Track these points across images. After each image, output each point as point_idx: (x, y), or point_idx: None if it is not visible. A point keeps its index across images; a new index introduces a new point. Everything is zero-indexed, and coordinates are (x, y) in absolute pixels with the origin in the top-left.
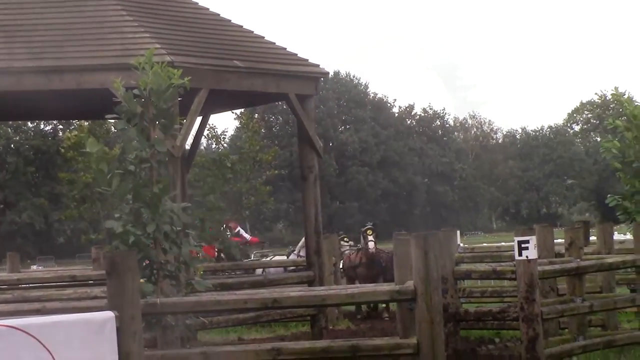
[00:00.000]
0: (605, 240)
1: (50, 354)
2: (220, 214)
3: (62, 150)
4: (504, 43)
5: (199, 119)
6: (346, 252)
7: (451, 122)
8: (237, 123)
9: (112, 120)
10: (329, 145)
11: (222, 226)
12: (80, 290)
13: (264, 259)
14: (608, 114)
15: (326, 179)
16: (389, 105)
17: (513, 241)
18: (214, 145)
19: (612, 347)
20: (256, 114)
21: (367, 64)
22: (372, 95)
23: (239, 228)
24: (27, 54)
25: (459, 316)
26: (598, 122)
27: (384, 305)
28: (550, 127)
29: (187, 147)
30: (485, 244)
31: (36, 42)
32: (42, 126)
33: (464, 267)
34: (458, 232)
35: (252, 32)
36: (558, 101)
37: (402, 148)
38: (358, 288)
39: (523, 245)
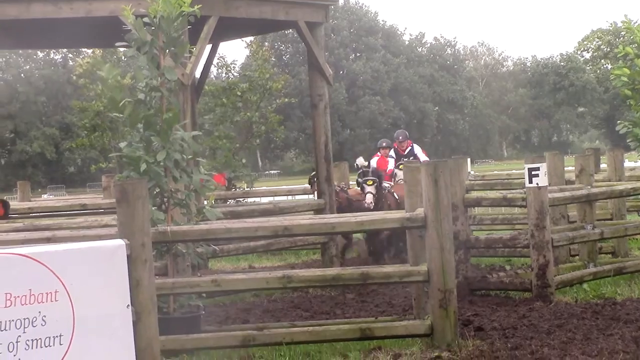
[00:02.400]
0: (615, 167)
1: (61, 281)
2: (231, 142)
3: (74, 77)
4: None
5: (208, 47)
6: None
7: (462, 50)
8: (247, 52)
9: (123, 49)
10: (340, 74)
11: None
12: (90, 219)
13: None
14: (618, 42)
15: (337, 107)
16: (399, 33)
17: (523, 169)
18: (224, 75)
19: (623, 274)
20: (266, 43)
21: None
22: (382, 23)
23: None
24: None
25: (469, 243)
26: (608, 49)
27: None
28: (560, 54)
29: (197, 75)
30: (495, 172)
31: None
32: (52, 55)
33: (474, 194)
34: (468, 159)
35: None
36: (568, 29)
37: (413, 76)
38: (368, 216)
39: (533, 173)
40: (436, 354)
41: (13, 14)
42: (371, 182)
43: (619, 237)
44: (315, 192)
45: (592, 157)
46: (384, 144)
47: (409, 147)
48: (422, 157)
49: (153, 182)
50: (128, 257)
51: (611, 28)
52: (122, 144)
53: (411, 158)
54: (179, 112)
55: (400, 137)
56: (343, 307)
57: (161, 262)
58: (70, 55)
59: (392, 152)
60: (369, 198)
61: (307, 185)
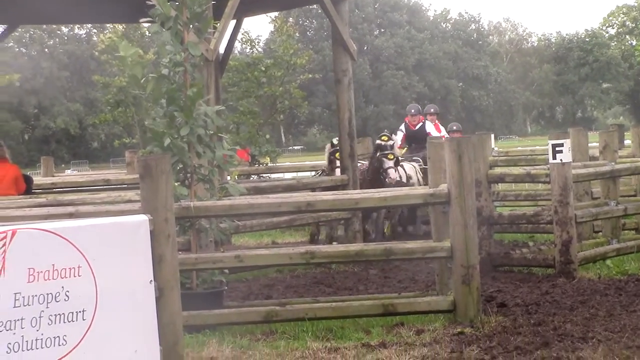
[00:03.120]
0: (639, 144)
1: (84, 256)
2: (255, 117)
3: (97, 53)
4: None
5: (232, 23)
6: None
7: (486, 26)
8: (271, 27)
9: (146, 25)
10: (364, 49)
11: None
12: (113, 194)
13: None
14: None
15: (360, 82)
16: (424, 9)
17: (547, 145)
18: (248, 50)
19: None
20: (290, 18)
21: None
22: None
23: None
24: None
25: (492, 219)
26: (634, 25)
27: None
28: (585, 30)
29: (221, 51)
30: (519, 148)
31: None
32: (76, 30)
33: (498, 170)
34: (492, 135)
35: None
36: (593, 5)
37: (437, 52)
38: (391, 191)
39: (557, 149)
40: (459, 329)
41: None
42: (392, 157)
43: None
44: (337, 170)
45: (616, 134)
46: (413, 111)
47: (420, 123)
48: (435, 133)
49: (176, 158)
50: (151, 232)
51: (637, 4)
52: (148, 120)
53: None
54: (202, 88)
55: (413, 110)
56: (366, 283)
57: (184, 237)
58: (95, 30)
59: (402, 126)
60: (392, 174)
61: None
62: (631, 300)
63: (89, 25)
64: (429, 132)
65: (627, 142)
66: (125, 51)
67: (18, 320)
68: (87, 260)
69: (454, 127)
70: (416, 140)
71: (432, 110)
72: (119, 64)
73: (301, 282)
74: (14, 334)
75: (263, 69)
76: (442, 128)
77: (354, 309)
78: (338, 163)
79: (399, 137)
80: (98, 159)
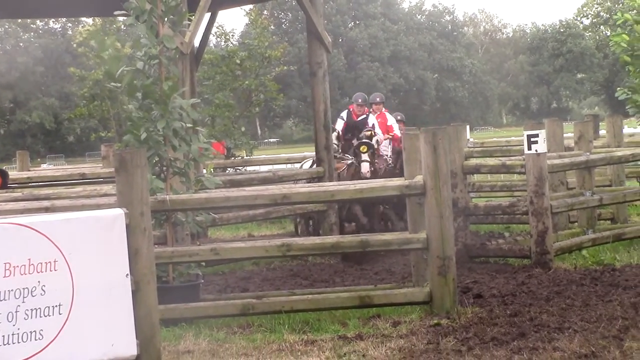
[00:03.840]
0: (614, 134)
1: (60, 251)
2: (230, 110)
3: (74, 45)
4: None
5: (207, 16)
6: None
7: (461, 18)
8: (246, 20)
9: (122, 18)
10: (339, 41)
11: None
12: (89, 188)
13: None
14: (618, 8)
15: (336, 74)
16: (398, 1)
17: (522, 135)
18: (223, 43)
19: (622, 240)
20: (265, 11)
21: None
22: None
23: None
24: None
25: (468, 210)
26: (608, 16)
27: None
28: (560, 21)
29: (196, 44)
30: (494, 139)
31: None
32: (51, 24)
33: (473, 161)
34: (468, 127)
35: None
36: None
37: (412, 43)
38: (367, 183)
39: (532, 139)
40: (435, 321)
41: None
42: (365, 149)
43: (618, 203)
44: (363, 164)
45: (591, 124)
46: (360, 100)
47: (364, 115)
48: (378, 132)
49: (152, 151)
50: (127, 226)
51: None
52: (131, 106)
53: (364, 133)
54: (178, 81)
55: (360, 100)
56: (342, 275)
57: (160, 231)
58: (70, 24)
59: (344, 114)
60: (365, 167)
61: (307, 153)
62: (607, 290)
63: (64, 19)
64: (371, 127)
65: (602, 132)
66: (101, 46)
67: None
68: (63, 255)
69: (398, 117)
70: (356, 132)
71: (377, 99)
72: (96, 57)
73: (278, 274)
74: None
75: (238, 61)
76: (389, 117)
77: (331, 301)
78: (364, 156)
79: (339, 125)
80: (74, 153)
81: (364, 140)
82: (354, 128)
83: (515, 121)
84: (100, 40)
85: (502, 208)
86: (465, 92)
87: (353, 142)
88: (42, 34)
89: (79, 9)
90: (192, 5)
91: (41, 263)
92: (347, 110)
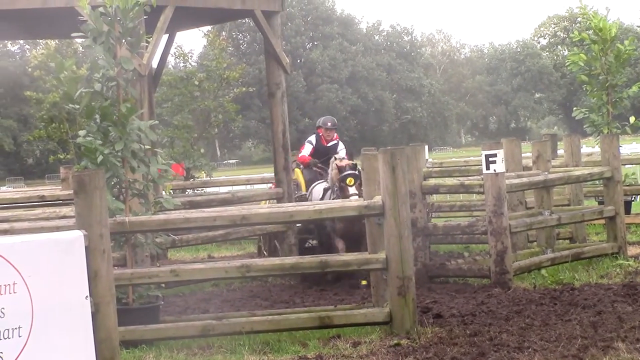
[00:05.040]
0: (572, 153)
1: (19, 273)
2: (189, 132)
3: (29, 69)
4: None
5: (165, 37)
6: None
7: (419, 38)
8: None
9: (79, 40)
10: (298, 62)
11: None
12: (49, 210)
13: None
14: (574, 27)
15: (295, 95)
16: (356, 21)
17: (481, 155)
18: (181, 64)
19: (580, 260)
20: (223, 32)
21: None
22: (339, 12)
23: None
24: None
25: (427, 230)
26: (565, 35)
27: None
28: (517, 41)
29: (154, 65)
30: (453, 159)
31: None
32: (9, 47)
33: (432, 181)
34: (426, 147)
35: None
36: (525, 16)
37: (370, 64)
38: (326, 204)
39: (491, 159)
40: (395, 341)
41: None
42: (352, 181)
43: (577, 222)
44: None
45: (549, 143)
46: (329, 124)
47: (335, 142)
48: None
49: (110, 173)
50: (86, 248)
51: (567, 14)
52: (81, 132)
53: (335, 156)
54: (136, 102)
55: (329, 124)
56: (302, 295)
57: (120, 252)
58: (28, 46)
59: (312, 138)
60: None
61: (266, 174)
62: (566, 310)
63: (22, 41)
64: (338, 155)
65: (561, 151)
66: (59, 67)
67: None
68: (22, 277)
69: (329, 124)
70: (325, 159)
71: (329, 124)
72: (52, 79)
73: (237, 295)
74: None
75: (196, 83)
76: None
77: (291, 322)
78: (351, 190)
79: (306, 150)
80: (33, 175)
81: (349, 172)
82: (323, 154)
83: (474, 141)
84: (59, 62)
85: (461, 228)
86: (424, 112)
87: (329, 171)
88: (0, 56)
89: (36, 31)
90: (149, 26)
91: (0, 285)
92: (315, 135)
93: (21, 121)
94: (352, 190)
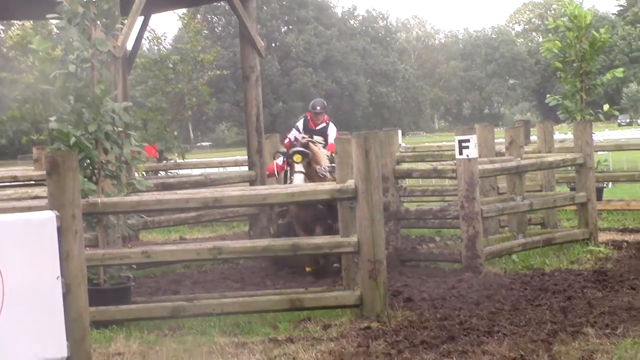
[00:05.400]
0: (545, 139)
1: None
2: (162, 114)
3: (4, 50)
4: None
5: (140, 19)
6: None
7: (394, 23)
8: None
9: (54, 21)
10: (272, 46)
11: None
12: (21, 190)
13: None
14: (550, 14)
15: (269, 79)
16: (331, 5)
17: (454, 140)
18: (155, 47)
19: (552, 245)
20: (198, 15)
21: None
22: None
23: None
24: None
25: (399, 215)
26: (540, 22)
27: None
28: (492, 27)
29: (129, 47)
30: (427, 144)
31: None
32: None
33: (405, 166)
34: (399, 131)
35: None
36: (500, 2)
37: (345, 48)
38: (298, 187)
39: (464, 145)
40: (365, 324)
41: None
42: (299, 158)
43: (548, 208)
44: (297, 175)
45: (522, 129)
46: (318, 107)
47: (324, 124)
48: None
49: (83, 154)
50: (58, 228)
51: (542, 1)
52: (52, 123)
53: (300, 141)
54: (110, 84)
55: (318, 107)
56: (273, 278)
57: (92, 233)
58: (2, 27)
59: (300, 122)
60: (299, 179)
61: (239, 157)
62: (536, 295)
63: None
64: (328, 135)
65: (534, 137)
66: (38, 45)
67: None
68: None
69: (318, 107)
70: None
71: (317, 107)
72: (27, 60)
73: (209, 277)
74: None
75: (171, 65)
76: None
77: (261, 304)
78: (297, 167)
79: (292, 134)
80: (6, 156)
81: (296, 149)
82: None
83: (448, 126)
84: (37, 40)
85: (433, 212)
86: (398, 97)
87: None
88: None
89: (11, 12)
90: (124, 8)
91: None
92: (303, 119)
93: None
94: (299, 167)
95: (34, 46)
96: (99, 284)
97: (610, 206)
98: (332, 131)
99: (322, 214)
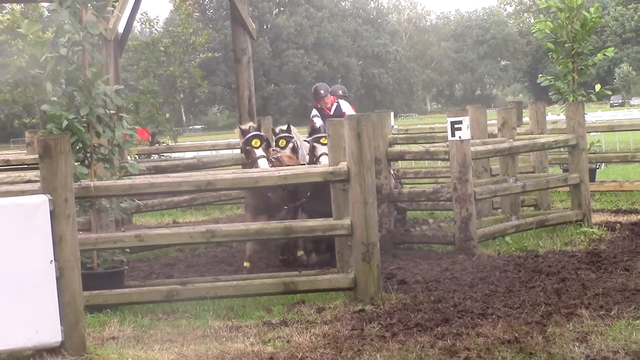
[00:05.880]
0: (537, 121)
1: None
2: (154, 97)
3: None
4: None
5: (131, 2)
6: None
7: (385, 4)
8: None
9: (45, 4)
10: (264, 28)
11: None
12: (13, 174)
13: None
14: None
15: (261, 61)
16: None
17: (446, 122)
18: (147, 30)
19: (545, 227)
20: None
21: None
22: None
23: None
24: None
25: (392, 197)
26: (531, 3)
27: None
28: (483, 8)
29: (120, 30)
30: (419, 126)
31: None
32: None
33: (397, 148)
34: (392, 113)
35: None
36: None
37: (336, 30)
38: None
39: (456, 126)
40: (359, 307)
41: None
42: (258, 143)
43: (541, 189)
44: (260, 160)
45: (515, 111)
46: (322, 92)
47: (335, 105)
48: (351, 112)
49: (76, 137)
50: (51, 212)
51: None
52: (44, 106)
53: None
54: (101, 67)
55: (322, 92)
56: (267, 261)
57: (85, 217)
58: None
59: (314, 114)
60: (263, 164)
61: (232, 140)
62: (530, 277)
63: None
64: (345, 113)
65: (526, 119)
66: (27, 29)
67: None
68: None
69: (339, 92)
70: None
71: (340, 92)
72: (18, 43)
73: (202, 261)
74: None
75: (162, 48)
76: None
77: (255, 287)
78: (258, 152)
79: (317, 122)
80: None
81: (253, 134)
82: None
83: (440, 108)
84: (26, 24)
85: (426, 194)
86: (390, 79)
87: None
88: None
89: None
90: None
91: None
92: (314, 109)
93: None
94: (259, 152)
95: (23, 30)
96: (92, 268)
97: (604, 187)
98: (346, 108)
99: (275, 202)
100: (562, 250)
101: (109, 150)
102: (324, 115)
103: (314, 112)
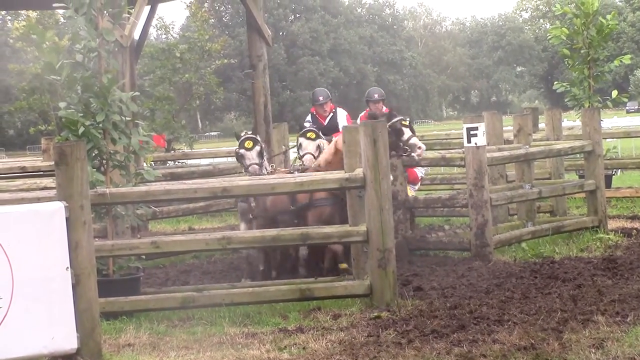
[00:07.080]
0: (553, 127)
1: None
2: (170, 104)
3: (11, 41)
4: None
5: (147, 8)
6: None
7: (401, 11)
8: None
9: (61, 11)
10: (280, 35)
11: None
12: (29, 181)
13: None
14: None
15: (277, 68)
16: None
17: (462, 128)
18: (163, 36)
19: (561, 233)
20: (206, 4)
21: None
22: None
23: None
24: None
25: (408, 203)
26: (547, 9)
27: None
28: (499, 14)
29: (136, 37)
30: (435, 132)
31: None
32: None
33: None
34: (408, 120)
35: None
36: None
37: (352, 37)
38: (307, 176)
39: (472, 132)
40: (375, 314)
41: None
42: (251, 145)
43: (557, 196)
44: (252, 167)
45: (530, 117)
46: (321, 98)
47: (331, 114)
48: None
49: (91, 144)
50: (67, 219)
51: None
52: (62, 104)
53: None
54: (117, 74)
55: (321, 98)
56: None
57: (100, 224)
58: (9, 17)
59: (308, 120)
60: (308, 160)
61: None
62: (546, 283)
63: (3, 12)
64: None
65: (542, 125)
66: (41, 38)
67: None
68: (2, 248)
69: (375, 96)
70: (327, 138)
71: (375, 96)
72: (34, 50)
73: (218, 267)
74: None
75: (178, 55)
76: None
77: (271, 294)
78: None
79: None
80: (14, 147)
81: (247, 136)
82: (325, 134)
83: (456, 114)
84: (39, 32)
85: (442, 201)
86: (406, 85)
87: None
88: None
89: (18, 2)
90: None
91: None
92: (309, 115)
93: (2, 92)
94: (307, 149)
95: (37, 39)
96: (108, 275)
97: (620, 193)
98: (342, 119)
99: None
100: (578, 257)
101: (125, 157)
102: (317, 125)
103: (308, 118)
